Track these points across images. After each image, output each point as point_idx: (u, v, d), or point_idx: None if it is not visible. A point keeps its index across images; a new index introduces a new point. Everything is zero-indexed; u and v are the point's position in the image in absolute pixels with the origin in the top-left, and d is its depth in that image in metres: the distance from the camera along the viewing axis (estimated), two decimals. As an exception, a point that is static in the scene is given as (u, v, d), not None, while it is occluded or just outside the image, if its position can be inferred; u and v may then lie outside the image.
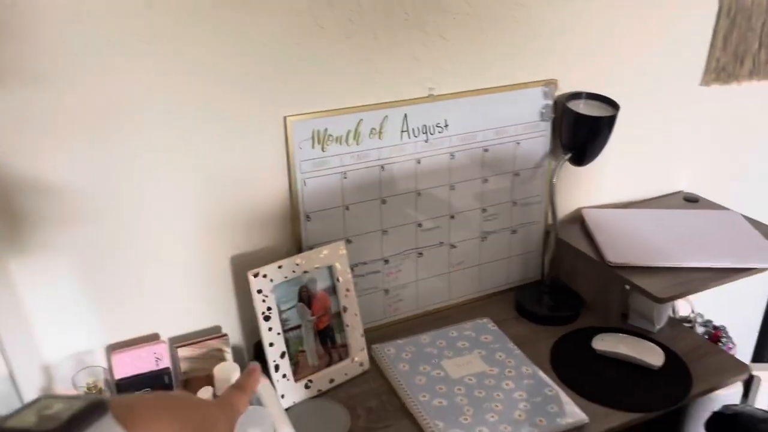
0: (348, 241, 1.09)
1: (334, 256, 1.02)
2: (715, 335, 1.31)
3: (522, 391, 1.00)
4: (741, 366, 1.08)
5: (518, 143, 1.18)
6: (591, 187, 1.34)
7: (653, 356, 1.07)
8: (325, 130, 1.00)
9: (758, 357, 1.32)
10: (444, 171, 1.13)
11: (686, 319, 1.34)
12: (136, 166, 0.92)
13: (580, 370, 1.06)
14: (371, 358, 1.08)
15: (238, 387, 0.58)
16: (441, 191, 1.15)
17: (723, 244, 1.19)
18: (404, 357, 1.08)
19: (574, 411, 0.96)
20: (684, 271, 1.13)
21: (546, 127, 1.20)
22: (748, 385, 1.28)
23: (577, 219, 1.31)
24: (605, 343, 1.10)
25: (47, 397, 0.38)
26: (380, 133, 1.05)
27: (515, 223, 1.25)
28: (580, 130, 1.16)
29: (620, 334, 1.13)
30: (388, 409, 0.99)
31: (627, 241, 1.20)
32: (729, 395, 1.19)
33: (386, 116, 1.04)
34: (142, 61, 0.86)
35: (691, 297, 1.47)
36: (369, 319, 1.16)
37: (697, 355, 1.11)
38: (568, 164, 1.20)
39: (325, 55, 0.97)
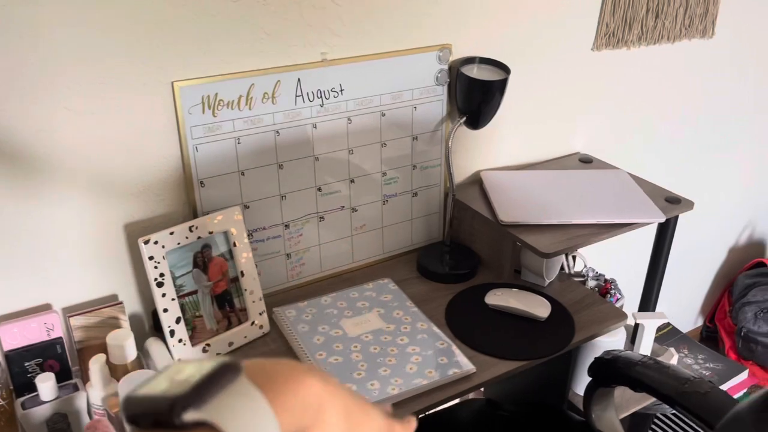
0: (245, 207, 1.10)
1: (229, 221, 1.03)
2: (605, 288, 1.40)
3: (415, 345, 1.05)
4: (620, 314, 1.16)
5: (415, 108, 1.21)
6: (490, 150, 1.39)
7: (540, 308, 1.14)
8: (216, 95, 1.00)
9: (644, 306, 1.42)
10: (342, 136, 1.15)
11: (579, 274, 1.42)
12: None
13: (472, 324, 1.12)
14: (273, 321, 1.11)
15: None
16: (340, 155, 1.16)
17: (608, 202, 1.26)
18: (305, 318, 1.11)
19: (462, 362, 1.01)
20: (571, 227, 1.19)
21: (442, 92, 1.23)
22: (635, 332, 1.37)
23: (477, 181, 1.36)
24: (497, 298, 1.16)
25: (181, 361, 0.36)
26: (273, 97, 1.05)
27: (416, 186, 1.28)
28: (473, 94, 1.19)
29: (512, 289, 1.19)
30: (286, 368, 1.01)
31: (519, 201, 1.25)
32: (614, 341, 1.27)
33: (279, 81, 1.05)
34: (18, 22, 0.84)
35: (584, 253, 1.55)
36: (272, 283, 1.18)
37: (582, 306, 1.18)
38: (465, 128, 1.23)
39: (212, 18, 0.96)
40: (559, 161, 1.48)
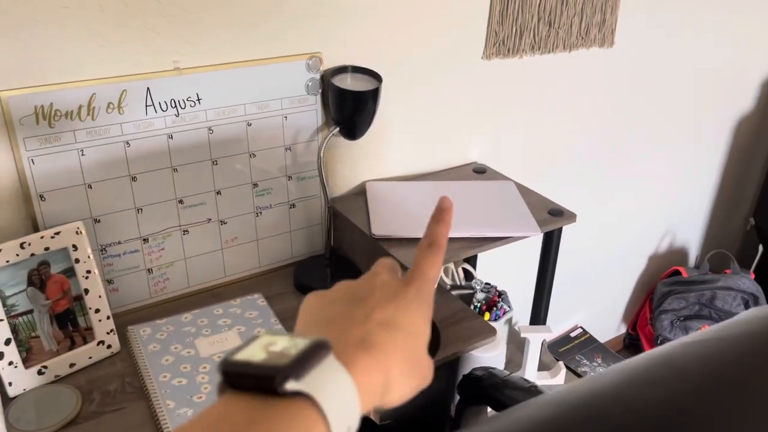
0: (96, 221, 1.05)
1: (69, 237, 0.98)
2: (492, 300, 1.38)
3: (268, 365, 1.01)
4: (490, 330, 1.13)
5: (286, 117, 1.17)
6: (378, 160, 1.36)
7: (407, 325, 1.11)
8: (51, 105, 0.95)
9: (535, 319, 1.40)
10: (203, 146, 1.11)
11: (469, 286, 1.40)
12: None
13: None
14: (127, 340, 1.06)
15: (427, 248, 0.50)
16: (202, 167, 1.12)
17: (487, 215, 1.23)
18: (158, 337, 1.06)
19: (312, 383, 0.98)
20: (464, 242, 1.16)
21: (315, 101, 1.19)
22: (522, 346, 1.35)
23: (363, 192, 1.33)
24: (365, 314, 1.13)
25: (268, 333, 0.39)
26: (120, 107, 1.01)
27: (293, 197, 1.25)
28: (345, 104, 1.16)
29: (383, 305, 1.15)
30: (127, 391, 0.97)
31: (397, 214, 1.22)
32: (494, 357, 1.25)
33: (125, 90, 1.00)
34: None
35: (481, 264, 1.53)
36: (132, 299, 1.13)
37: (453, 321, 1.16)
38: (344, 139, 1.20)
39: (43, 24, 0.92)
40: (454, 171, 1.45)
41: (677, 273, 2.11)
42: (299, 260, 1.29)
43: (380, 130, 1.32)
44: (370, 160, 1.34)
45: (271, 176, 1.20)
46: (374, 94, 1.16)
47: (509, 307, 1.38)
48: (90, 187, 1.03)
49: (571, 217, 1.27)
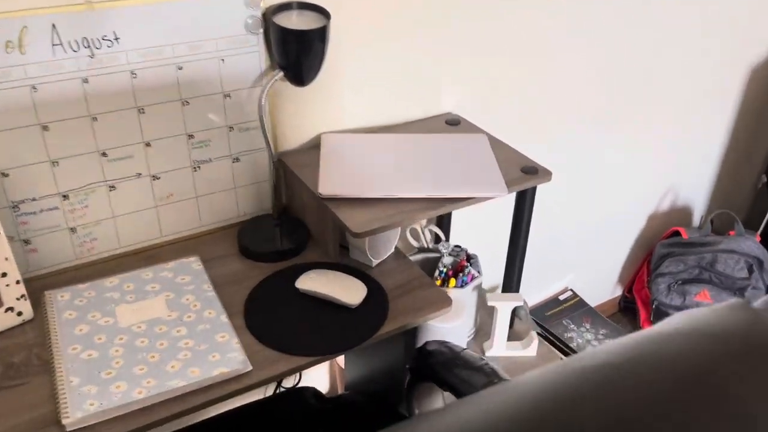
0: (4, 174, 0.95)
1: (-35, 193, 0.88)
2: (460, 264, 1.26)
3: (191, 338, 0.92)
4: (445, 301, 1.02)
5: (223, 60, 1.04)
6: (338, 110, 1.23)
7: (352, 294, 1.00)
8: (-66, 42, 0.83)
9: (507, 285, 1.28)
10: (126, 92, 0.99)
11: (436, 249, 1.28)
12: None
13: (273, 312, 0.98)
14: (42, 307, 0.97)
15: None
16: (126, 115, 1.00)
17: (451, 172, 1.11)
18: (77, 303, 0.97)
19: (237, 359, 0.88)
20: (399, 201, 1.04)
21: (257, 42, 1.06)
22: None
23: (319, 146, 1.20)
24: (308, 282, 1.02)
25: None
26: (21, 46, 0.89)
27: (236, 150, 1.13)
28: (289, 46, 1.03)
29: (329, 271, 1.05)
30: (33, 363, 0.88)
31: (350, 170, 1.10)
32: (455, 327, 1.14)
33: (25, 26, 0.88)
34: None
35: (455, 225, 1.41)
36: (55, 261, 1.04)
37: (406, 290, 1.05)
38: (293, 85, 1.07)
39: None
40: (424, 123, 1.32)
41: (677, 234, 1.97)
42: (246, 220, 1.18)
43: (336, 75, 1.18)
44: (327, 110, 1.21)
45: (208, 126, 1.08)
46: (321, 33, 1.02)
47: (479, 272, 1.26)
48: (-8, 137, 0.92)
49: (545, 175, 1.14)
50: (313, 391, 1.13)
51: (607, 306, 2.16)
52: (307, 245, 1.13)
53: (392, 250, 1.13)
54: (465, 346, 1.19)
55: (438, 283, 1.22)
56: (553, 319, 1.84)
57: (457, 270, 1.26)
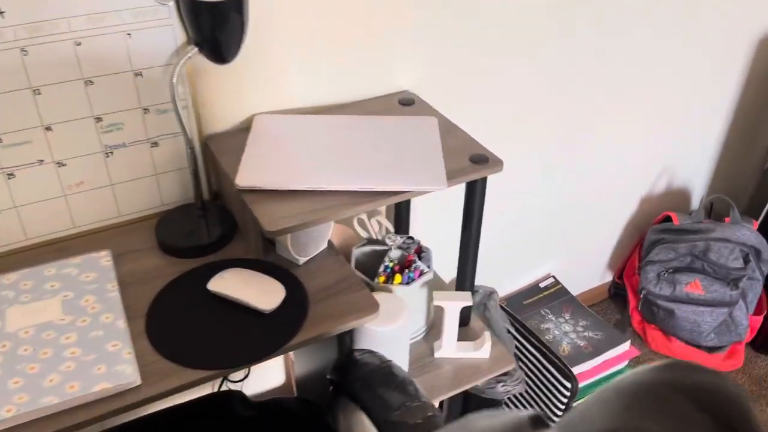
0: None
1: None
2: (407, 259, 1.16)
3: (80, 347, 0.83)
4: (371, 306, 0.92)
5: (129, 35, 0.94)
6: (272, 89, 1.11)
7: (268, 298, 0.91)
8: None
9: (461, 282, 1.18)
10: (16, 71, 0.89)
11: (382, 242, 1.18)
12: None
13: (179, 317, 0.89)
14: (-69, 305, 0.89)
15: None
16: (19, 97, 0.91)
17: (389, 161, 1.00)
18: (-35, 304, 0.89)
19: (124, 373, 0.80)
20: (325, 195, 0.94)
21: (169, 14, 0.95)
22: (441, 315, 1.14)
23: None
24: (221, 283, 0.93)
25: None
26: None
27: (154, 134, 1.03)
28: (201, 18, 0.91)
29: (247, 271, 0.95)
30: None
31: (275, 158, 0.99)
32: (394, 329, 1.05)
33: None
34: None
35: (404, 216, 1.31)
36: (-48, 254, 0.96)
37: (332, 293, 0.95)
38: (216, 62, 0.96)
39: None
40: (375, 102, 1.20)
41: (669, 219, 1.84)
42: (170, 210, 1.09)
43: (270, 50, 1.07)
44: (263, 89, 1.10)
45: (119, 108, 0.98)
46: (237, 4, 0.91)
47: (429, 267, 1.16)
48: None
49: (497, 164, 1.02)
50: (239, 396, 1.05)
51: (596, 293, 2.05)
52: (233, 238, 1.04)
53: (323, 246, 1.03)
54: (406, 350, 1.09)
55: (382, 279, 1.12)
56: (530, 309, 1.74)
57: (404, 265, 1.15)
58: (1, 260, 0.98)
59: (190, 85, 1.01)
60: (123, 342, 0.84)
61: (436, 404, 1.29)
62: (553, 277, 1.84)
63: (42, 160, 0.96)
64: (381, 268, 1.14)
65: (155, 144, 1.04)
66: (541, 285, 1.82)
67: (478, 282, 1.70)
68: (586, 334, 1.66)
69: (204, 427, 0.99)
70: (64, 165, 0.98)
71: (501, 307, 1.60)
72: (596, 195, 1.78)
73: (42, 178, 0.97)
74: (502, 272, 1.76)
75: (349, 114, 1.13)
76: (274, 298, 0.91)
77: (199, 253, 1.01)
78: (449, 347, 1.16)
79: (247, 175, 0.95)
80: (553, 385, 1.48)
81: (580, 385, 1.57)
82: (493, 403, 1.44)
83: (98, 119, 0.97)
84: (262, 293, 0.91)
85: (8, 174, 0.95)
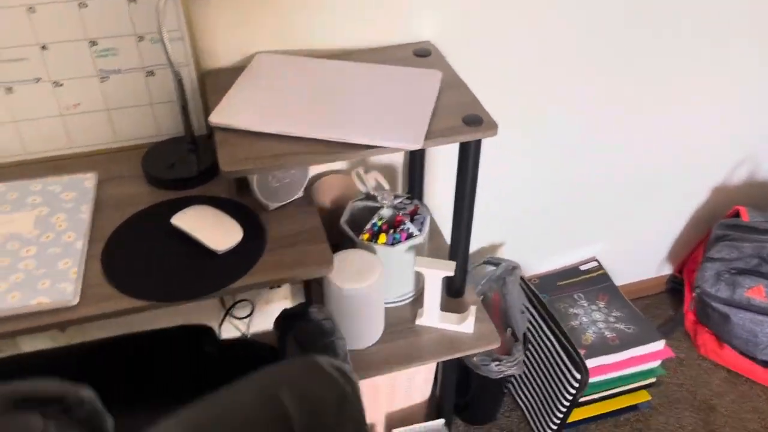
0: None
1: None
2: (397, 219, 1.10)
3: (35, 260, 0.86)
4: (325, 263, 0.89)
5: (122, -42, 0.93)
6: (282, 26, 1.08)
7: (222, 239, 0.89)
8: None
9: (454, 249, 1.10)
10: (11, -13, 0.91)
11: (374, 197, 1.13)
12: None
13: (136, 246, 0.90)
14: (-72, 204, 0.96)
15: None
16: (13, 14, 0.93)
17: (372, 114, 0.94)
18: (-47, 207, 0.95)
19: (64, 291, 0.82)
20: (294, 141, 0.90)
21: (162, -61, 0.93)
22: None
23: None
24: (184, 218, 0.92)
25: None
26: None
27: (150, 63, 1.03)
28: (187, -55, 0.89)
29: (212, 209, 0.94)
30: None
31: (259, 99, 0.96)
32: (357, 289, 1.01)
33: None
34: None
35: (419, 175, 1.26)
36: (-44, 160, 1.02)
37: (293, 242, 0.92)
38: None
39: None
40: (388, 51, 1.13)
41: (738, 214, 1.64)
42: (162, 140, 1.09)
43: (275, -13, 1.03)
44: (270, 25, 1.07)
45: (113, 34, 0.98)
46: (222, -67, 0.87)
47: (419, 230, 1.10)
48: None
49: (491, 128, 0.93)
50: (207, 331, 1.06)
51: (649, 284, 1.88)
52: (216, 176, 1.03)
53: (297, 195, 0.99)
54: (376, 311, 1.05)
55: (365, 237, 1.08)
56: (562, 291, 1.63)
57: (394, 225, 1.10)
58: (4, 170, 1.03)
59: (186, 15, 1.00)
60: (74, 261, 0.86)
61: (423, 371, 1.24)
62: (597, 260, 1.71)
63: (39, 78, 0.99)
64: (368, 225, 1.09)
65: (151, 73, 1.04)
66: (582, 268, 1.70)
67: (511, 255, 1.61)
68: (617, 325, 1.53)
69: (164, 354, 1.01)
70: (60, 85, 1.01)
71: (523, 283, 1.51)
72: (659, 177, 1.62)
73: (39, 96, 1.01)
74: (545, 248, 1.65)
75: (357, 61, 1.08)
76: (228, 239, 0.90)
77: (180, 186, 1.01)
78: (431, 316, 1.11)
79: (223, 113, 0.93)
80: (563, 374, 1.39)
81: (598, 378, 1.46)
82: (493, 381, 1.37)
83: (93, 43, 0.98)
84: (218, 234, 0.90)
85: (6, 88, 0.99)
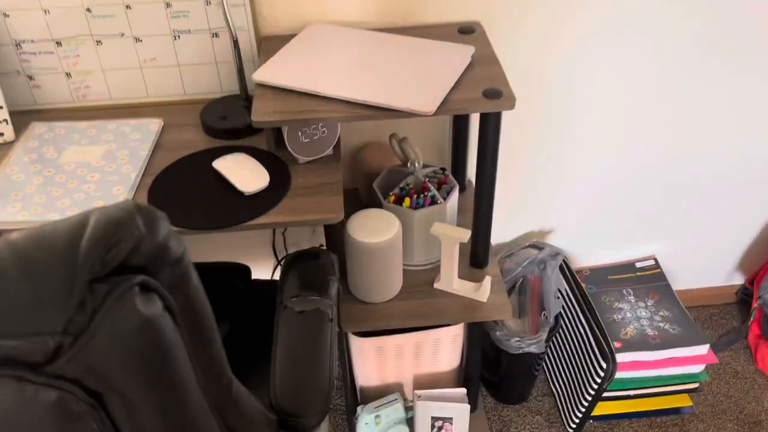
0: (5, 15, 1.11)
1: (-41, 24, 1.06)
2: (424, 185, 1.16)
3: (96, 185, 1.02)
4: (335, 212, 0.97)
5: (194, -70, 1.06)
6: (334, 2, 1.17)
7: (250, 183, 1.00)
8: None
9: (477, 225, 1.14)
10: (103, -47, 1.07)
11: (405, 164, 1.20)
12: None
13: (180, 182, 1.04)
14: (24, 132, 1.15)
15: None
16: (105, -24, 1.09)
17: (397, 81, 1.01)
18: (45, 136, 1.13)
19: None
20: (320, 100, 0.99)
21: None
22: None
23: (307, 33, 1.17)
24: (223, 163, 1.04)
25: None
26: None
27: (216, 26, 1.16)
28: None
29: (249, 158, 1.06)
30: (-13, 175, 1.07)
31: (300, 62, 1.06)
32: (374, 243, 1.09)
33: None
34: None
35: (413, 143, 1.31)
36: (55, 99, 1.21)
37: (311, 192, 1.01)
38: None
39: None
40: (435, 29, 1.19)
41: (814, 226, 1.53)
42: (222, 96, 1.22)
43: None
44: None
45: (185, -2, 1.12)
46: None
47: (443, 199, 1.15)
48: (-9, -20, 1.08)
49: (509, 100, 0.98)
50: (245, 270, 1.18)
51: (718, 293, 1.80)
52: (261, 130, 1.15)
53: (326, 152, 1.08)
54: (393, 268, 1.12)
55: (391, 199, 1.15)
56: (611, 285, 1.61)
57: (420, 191, 1.16)
58: (88, 111, 1.21)
59: (247, -17, 1.12)
60: (126, 189, 1.01)
61: (447, 337, 1.30)
62: (655, 259, 1.66)
63: (123, 34, 1.15)
64: (396, 189, 1.17)
65: (216, 35, 1.17)
66: (638, 265, 1.66)
67: (565, 245, 1.62)
68: (662, 324, 1.50)
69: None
70: (140, 41, 1.16)
71: (567, 270, 1.51)
72: (734, 183, 1.55)
73: (123, 49, 1.17)
74: (599, 242, 1.64)
75: (402, 35, 1.15)
76: (256, 184, 1.00)
77: (228, 136, 1.14)
78: (447, 281, 1.16)
79: (265, 72, 1.04)
80: (592, 363, 1.39)
81: (632, 374, 1.45)
82: (522, 362, 1.40)
83: (168, 5, 1.13)
84: (249, 178, 1.01)
85: (97, 40, 1.16)
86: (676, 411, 1.55)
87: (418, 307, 1.17)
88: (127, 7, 1.12)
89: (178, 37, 1.16)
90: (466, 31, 1.17)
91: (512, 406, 1.58)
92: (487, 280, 1.14)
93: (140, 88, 1.21)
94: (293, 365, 0.77)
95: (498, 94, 0.98)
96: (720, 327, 1.76)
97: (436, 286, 1.19)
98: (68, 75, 1.19)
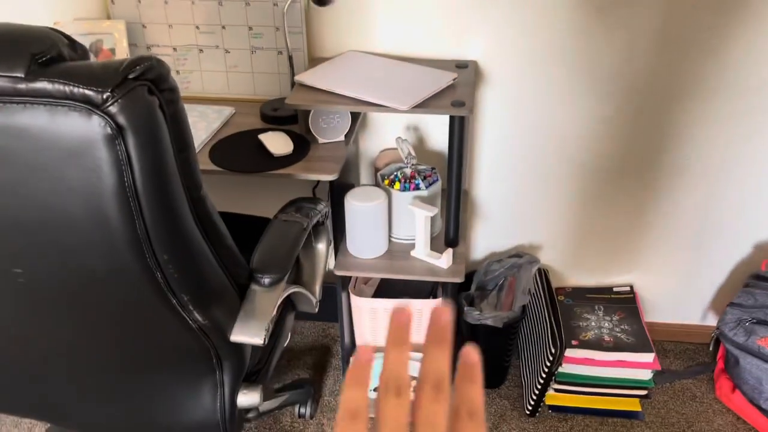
0: (143, 26, 1.63)
1: (113, 29, 1.58)
2: (411, 174, 1.53)
3: (179, 139, 1.47)
4: (331, 171, 1.36)
5: (273, -21, 1.54)
6: (367, 33, 1.60)
7: (279, 149, 1.42)
8: (114, -58, 1.53)
9: (447, 211, 1.48)
10: (212, -10, 1.57)
11: (400, 160, 1.57)
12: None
13: (233, 147, 1.48)
14: (143, 108, 1.64)
15: (469, 419, 0.35)
16: (212, 5, 1.59)
17: (389, 88, 1.41)
18: (154, 109, 1.61)
19: (185, 154, 1.41)
20: (335, 96, 1.41)
21: (297, -30, 1.52)
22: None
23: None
24: (266, 137, 1.47)
25: None
26: (155, -49, 1.53)
27: (281, 46, 1.62)
28: (305, -27, 1.46)
29: (285, 135, 1.48)
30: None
31: (333, 73, 1.49)
32: (366, 207, 1.46)
33: (158, -61, 1.52)
34: None
35: (410, 145, 1.67)
36: (166, 88, 1.70)
37: (319, 159, 1.42)
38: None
39: None
40: (437, 63, 1.59)
41: None
42: (279, 98, 1.67)
43: (368, 4, 1.56)
44: (358, 31, 1.60)
45: (261, 24, 1.60)
46: (324, -33, 1.43)
47: (425, 188, 1.52)
48: (139, 1, 1.60)
49: (468, 108, 1.34)
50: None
51: (697, 331, 1.99)
52: (297, 120, 1.58)
53: (339, 138, 1.49)
54: (377, 228, 1.49)
55: (386, 182, 1.53)
56: (586, 302, 1.87)
57: (408, 179, 1.53)
58: (187, 99, 1.69)
59: (306, 17, 1.57)
60: (197, 144, 1.46)
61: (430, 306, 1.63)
62: (631, 287, 1.91)
63: (218, 46, 1.64)
64: (391, 175, 1.55)
65: (280, 53, 1.63)
66: (615, 289, 1.91)
67: (557, 265, 1.90)
68: (619, 334, 1.74)
69: (234, 228, 1.56)
70: (228, 52, 1.65)
71: (543, 276, 1.80)
72: (713, 231, 1.79)
73: (216, 58, 1.65)
74: (585, 267, 1.91)
75: (408, 62, 1.56)
76: (283, 149, 1.42)
77: (275, 122, 1.57)
78: (420, 250, 1.51)
79: (304, 76, 1.48)
80: (545, 348, 1.66)
81: (585, 371, 1.69)
82: (493, 347, 1.69)
83: (250, 28, 1.61)
84: (279, 146, 1.44)
85: (200, 49, 1.65)
86: (626, 414, 1.76)
87: (397, 265, 1.52)
88: (223, 27, 1.61)
89: (255, 51, 1.64)
90: (462, 66, 1.56)
91: (487, 391, 1.85)
92: (448, 252, 1.48)
93: (224, 86, 1.69)
94: (268, 246, 1.16)
95: (462, 104, 1.36)
96: (691, 361, 1.95)
97: (412, 253, 1.54)
98: (177, 72, 1.69)
